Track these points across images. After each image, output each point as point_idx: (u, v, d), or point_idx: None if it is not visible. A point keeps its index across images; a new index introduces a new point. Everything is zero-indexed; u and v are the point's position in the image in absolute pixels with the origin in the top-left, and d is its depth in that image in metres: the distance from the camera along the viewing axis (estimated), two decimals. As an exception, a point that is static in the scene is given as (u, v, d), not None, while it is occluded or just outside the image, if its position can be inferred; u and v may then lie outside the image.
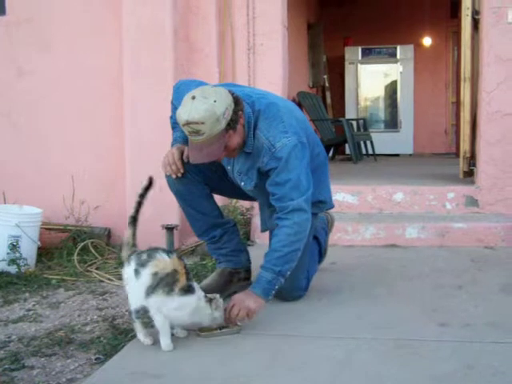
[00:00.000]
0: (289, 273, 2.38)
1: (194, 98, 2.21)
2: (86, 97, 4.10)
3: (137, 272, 2.06)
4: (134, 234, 2.21)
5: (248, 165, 2.48)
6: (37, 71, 4.14)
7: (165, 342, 2.07)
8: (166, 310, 2.04)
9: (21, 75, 4.16)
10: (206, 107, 2.18)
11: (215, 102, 2.20)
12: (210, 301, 2.13)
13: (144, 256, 2.08)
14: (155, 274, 2.04)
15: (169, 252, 2.12)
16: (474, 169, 4.23)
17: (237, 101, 2.30)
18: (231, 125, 2.27)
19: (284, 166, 2.35)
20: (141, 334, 2.12)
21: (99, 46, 4.07)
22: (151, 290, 2.03)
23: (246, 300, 2.28)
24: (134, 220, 2.22)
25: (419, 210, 4.08)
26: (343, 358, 2.02)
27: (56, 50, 4.12)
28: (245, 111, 2.36)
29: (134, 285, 2.08)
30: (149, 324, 2.17)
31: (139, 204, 2.24)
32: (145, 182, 2.28)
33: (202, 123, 2.18)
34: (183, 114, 2.21)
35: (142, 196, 2.25)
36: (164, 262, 2.07)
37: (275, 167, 2.36)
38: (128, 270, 2.11)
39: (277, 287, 2.36)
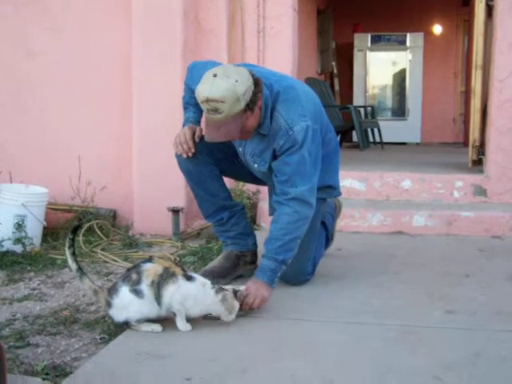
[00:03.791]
0: (290, 260, 2.38)
1: (215, 75, 2.18)
2: (95, 78, 4.07)
3: (136, 291, 2.05)
4: (92, 281, 2.20)
5: (262, 146, 2.45)
6: (45, 52, 4.11)
7: (182, 324, 2.08)
8: (179, 296, 2.04)
9: (30, 55, 4.12)
10: (228, 86, 2.16)
11: (237, 81, 2.18)
12: (219, 289, 2.10)
13: (133, 276, 2.07)
14: (153, 282, 2.05)
15: (148, 260, 2.13)
16: (483, 158, 4.20)
17: (257, 82, 2.27)
18: (250, 106, 2.24)
19: (297, 149, 2.34)
20: (146, 327, 2.09)
21: (109, 26, 4.03)
22: (159, 292, 2.04)
23: (260, 288, 2.29)
24: (81, 269, 2.18)
25: (427, 198, 4.06)
26: (349, 343, 2.01)
27: (65, 30, 4.08)
28: (263, 93, 2.33)
29: (138, 303, 2.06)
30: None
31: (72, 246, 2.19)
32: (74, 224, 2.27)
33: (222, 102, 2.16)
34: (204, 91, 2.18)
35: (73, 239, 2.20)
36: (152, 268, 2.08)
37: (289, 148, 2.35)
38: (121, 295, 2.07)
39: (279, 275, 2.38)
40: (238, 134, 2.32)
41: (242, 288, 2.17)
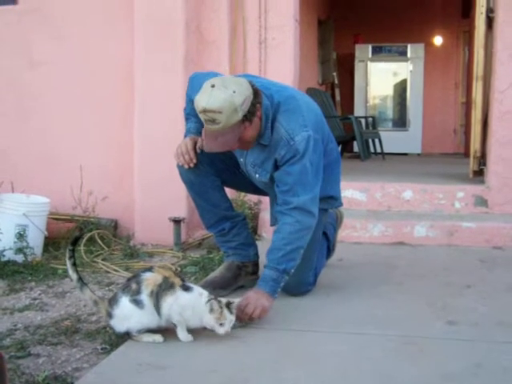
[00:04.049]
0: (293, 270, 2.38)
1: (213, 86, 2.19)
2: (97, 87, 4.09)
3: (137, 301, 2.05)
4: (92, 291, 2.20)
5: (264, 156, 2.45)
6: (47, 61, 4.13)
7: (183, 334, 2.08)
8: (177, 307, 2.04)
9: (32, 64, 4.15)
10: (225, 97, 2.16)
11: (234, 92, 2.18)
12: (209, 300, 2.06)
13: (133, 285, 2.07)
14: (152, 292, 2.05)
15: (148, 269, 2.13)
16: (484, 168, 4.20)
17: (256, 93, 2.27)
18: (248, 117, 2.24)
19: (299, 159, 2.34)
20: (147, 338, 2.08)
21: (111, 35, 4.05)
22: (158, 303, 2.04)
23: (260, 298, 2.28)
24: (81, 280, 2.18)
25: (428, 209, 4.06)
26: (351, 353, 2.00)
27: (67, 39, 4.11)
28: (263, 103, 2.33)
29: (138, 313, 2.05)
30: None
31: (73, 257, 2.18)
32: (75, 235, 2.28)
33: (220, 112, 2.16)
34: (201, 101, 2.19)
35: (73, 250, 2.20)
36: (152, 277, 2.08)
37: (290, 158, 2.35)
38: (122, 306, 2.07)
39: (282, 285, 2.37)
40: (236, 144, 2.32)
41: (236, 300, 2.15)
